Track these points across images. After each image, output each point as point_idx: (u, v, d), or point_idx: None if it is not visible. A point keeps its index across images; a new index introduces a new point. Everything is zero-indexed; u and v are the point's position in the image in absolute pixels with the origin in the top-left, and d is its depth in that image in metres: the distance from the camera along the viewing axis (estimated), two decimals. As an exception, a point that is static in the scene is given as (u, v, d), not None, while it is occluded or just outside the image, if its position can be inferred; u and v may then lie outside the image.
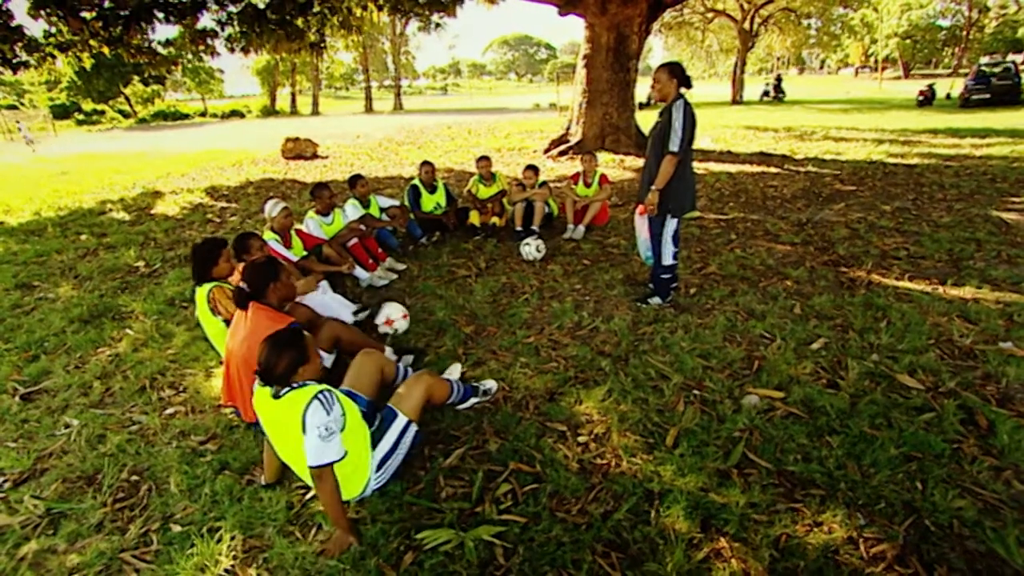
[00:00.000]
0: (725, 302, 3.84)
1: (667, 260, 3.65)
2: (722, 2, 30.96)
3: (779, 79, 30.50)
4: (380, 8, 12.94)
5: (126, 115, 39.30)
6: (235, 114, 42.00)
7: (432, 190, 5.81)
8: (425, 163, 5.83)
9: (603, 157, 10.15)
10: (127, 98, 40.02)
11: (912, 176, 7.76)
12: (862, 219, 5.70)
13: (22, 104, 41.46)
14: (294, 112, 43.70)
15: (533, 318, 3.80)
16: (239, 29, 11.63)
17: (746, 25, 30.28)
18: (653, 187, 3.43)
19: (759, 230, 5.50)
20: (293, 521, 2.16)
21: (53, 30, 10.65)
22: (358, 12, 12.87)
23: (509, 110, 32.37)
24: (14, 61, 9.92)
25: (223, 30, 12.00)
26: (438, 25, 15.62)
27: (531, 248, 4.91)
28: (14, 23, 9.45)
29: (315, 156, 13.75)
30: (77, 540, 2.13)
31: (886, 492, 2.10)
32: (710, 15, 31.77)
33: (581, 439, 2.52)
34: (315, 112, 42.44)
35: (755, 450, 2.36)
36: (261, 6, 11.39)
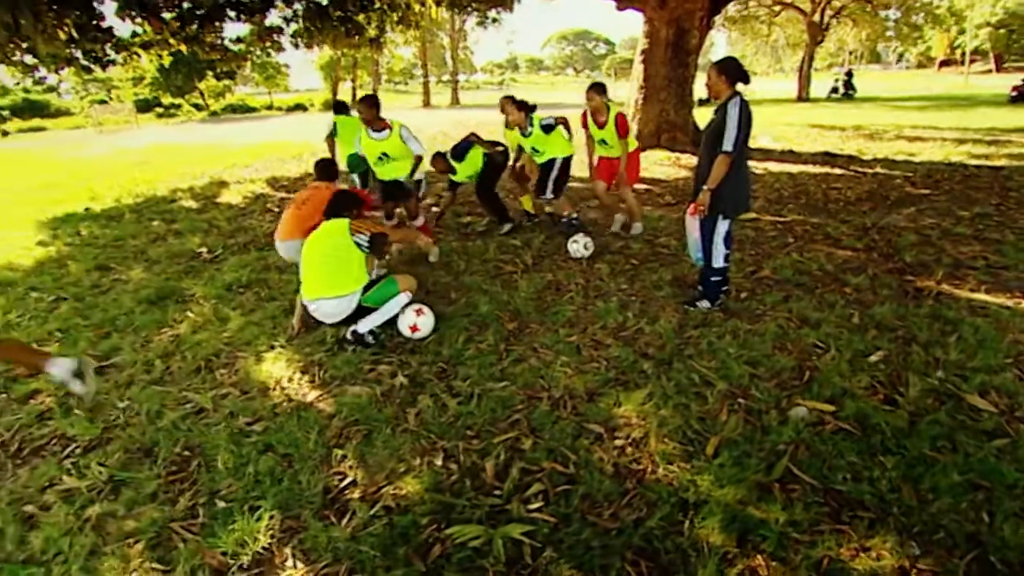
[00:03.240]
0: (777, 308, 3.67)
1: (718, 262, 3.53)
2: (792, -7, 29.51)
3: (850, 74, 28.88)
4: (438, 4, 13.09)
5: (200, 108, 41.45)
6: (299, 107, 43.53)
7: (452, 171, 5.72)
8: (437, 156, 5.69)
9: (660, 155, 9.93)
10: (201, 93, 42.21)
11: (997, 179, 7.19)
12: (935, 225, 5.32)
13: (110, 99, 44.41)
14: (354, 103, 44.80)
15: (577, 317, 3.76)
16: (303, 25, 12.05)
17: (816, 18, 28.78)
18: (705, 187, 3.32)
19: (819, 234, 5.23)
20: (328, 506, 2.22)
21: (138, 30, 11.37)
22: (417, 8, 13.07)
23: (565, 105, 32.10)
24: (104, 59, 10.64)
25: (288, 26, 12.48)
26: (495, 20, 15.65)
27: (579, 246, 4.86)
28: (105, 24, 10.13)
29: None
30: (134, 507, 2.28)
31: (946, 521, 1.95)
32: (777, 8, 30.39)
33: (618, 442, 2.48)
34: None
35: (800, 465, 2.24)
36: (324, 3, 11.74)
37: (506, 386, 2.97)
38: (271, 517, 2.15)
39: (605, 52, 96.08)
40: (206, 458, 2.55)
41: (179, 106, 41.25)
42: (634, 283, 4.27)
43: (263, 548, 2.04)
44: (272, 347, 3.54)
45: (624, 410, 2.69)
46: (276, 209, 7.61)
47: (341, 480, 2.35)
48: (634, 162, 5.35)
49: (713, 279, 3.62)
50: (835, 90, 28.45)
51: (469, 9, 14.41)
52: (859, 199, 6.50)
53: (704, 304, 3.70)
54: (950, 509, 2.01)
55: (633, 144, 5.23)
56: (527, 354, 3.29)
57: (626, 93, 11.60)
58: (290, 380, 3.16)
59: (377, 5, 12.00)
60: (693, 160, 9.32)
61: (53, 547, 2.09)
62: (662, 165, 9.33)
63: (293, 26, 12.29)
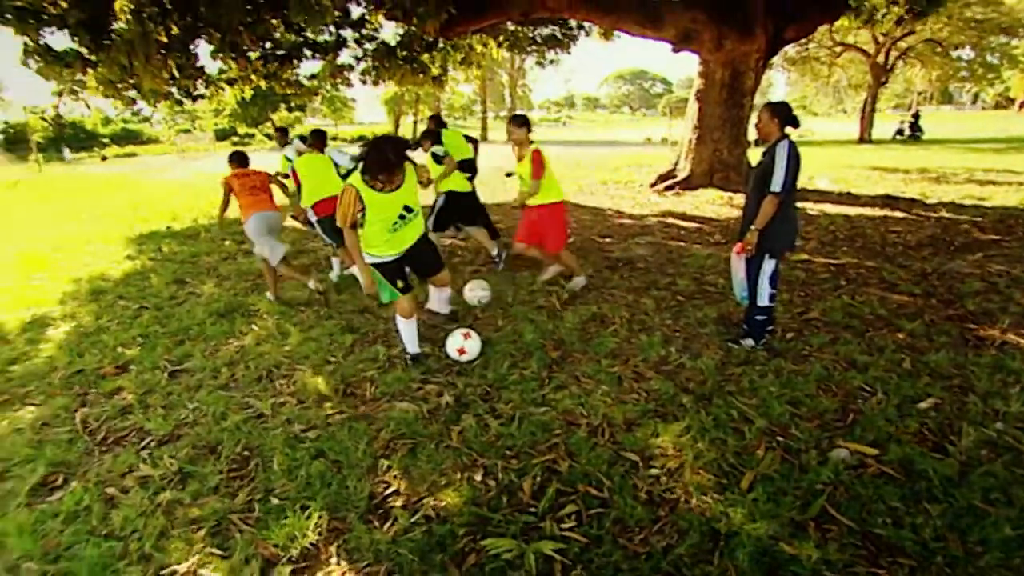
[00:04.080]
0: (824, 350, 3.63)
1: (763, 301, 3.54)
2: (853, 35, 28.95)
3: (916, 116, 27.92)
4: (499, 45, 13.72)
5: (271, 137, 44.28)
6: (361, 139, 45.82)
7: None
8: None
9: (712, 194, 9.92)
10: (273, 123, 45.14)
11: (1075, 228, 6.81)
12: (1004, 272, 5.11)
13: (192, 128, 48.13)
14: (413, 140, 46.76)
15: (620, 348, 3.82)
16: (372, 64, 12.87)
17: (880, 59, 28.15)
18: (752, 227, 3.37)
19: (873, 278, 5.11)
20: (372, 511, 2.36)
21: (223, 67, 12.46)
22: (479, 48, 13.73)
23: (620, 143, 32.43)
24: (194, 94, 11.71)
25: (358, 64, 13.35)
26: (553, 61, 16.17)
27: (474, 295, 4.73)
28: (198, 64, 11.19)
29: (430, 181, 14.64)
30: (199, 497, 2.49)
31: None
32: (839, 49, 29.92)
33: (653, 471, 2.52)
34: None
35: (838, 506, 2.22)
36: (392, 43, 12.53)
37: (546, 411, 3.06)
38: (319, 517, 2.31)
39: (662, 91, 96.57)
40: (263, 459, 2.75)
41: (253, 135, 44.20)
42: (679, 319, 4.30)
43: (311, 544, 2.19)
44: (328, 362, 3.77)
45: (661, 441, 2.73)
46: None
47: (385, 488, 2.49)
48: (557, 219, 4.72)
49: (758, 318, 3.62)
50: (900, 132, 27.56)
51: (529, 50, 14.99)
52: (920, 244, 6.30)
53: (748, 342, 3.69)
54: (1000, 564, 1.95)
55: (555, 193, 4.69)
56: (568, 382, 3.38)
57: (680, 132, 11.70)
58: (343, 393, 3.36)
59: (441, 46, 12.69)
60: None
61: (130, 526, 2.31)
62: (713, 204, 9.31)
63: (363, 64, 13.15)
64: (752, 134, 10.94)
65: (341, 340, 4.07)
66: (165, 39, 7.93)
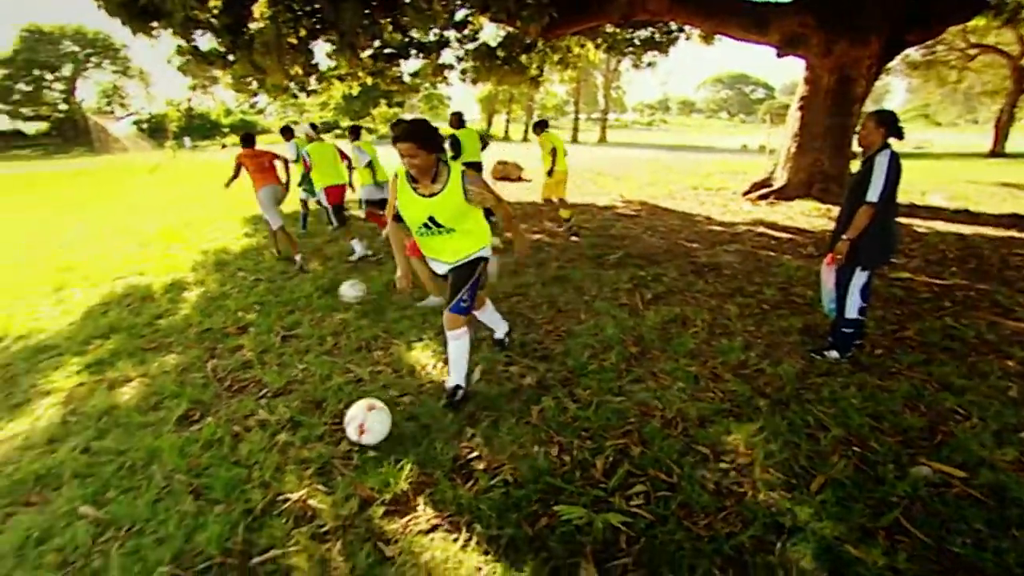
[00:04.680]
0: (915, 369, 3.49)
1: (851, 313, 3.47)
2: (993, 35, 26.04)
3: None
4: (597, 47, 13.78)
5: (370, 131, 46.78)
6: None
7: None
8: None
9: (808, 205, 9.51)
10: (373, 118, 47.65)
11: None
12: None
13: (299, 121, 51.98)
14: (505, 138, 47.70)
15: (699, 350, 3.87)
16: (472, 64, 13.38)
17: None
18: (844, 236, 3.32)
19: (984, 301, 4.77)
20: (456, 471, 2.62)
21: (334, 64, 13.45)
22: (576, 50, 13.88)
23: (715, 150, 31.43)
24: (308, 89, 12.75)
25: (459, 64, 13.92)
26: (650, 64, 15.99)
27: (346, 287, 5.08)
28: (313, 61, 12.18)
29: (519, 179, 15.01)
30: (307, 442, 2.86)
31: (1077, 602, 1.84)
32: (973, 51, 27.15)
33: (723, 465, 2.60)
34: (525, 139, 45.85)
35: (913, 520, 2.21)
36: (492, 44, 12.96)
37: (622, 400, 3.19)
38: (410, 469, 2.59)
39: (763, 96, 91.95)
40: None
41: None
42: (761, 327, 4.27)
43: (401, 491, 2.47)
44: (420, 339, 4.10)
45: (733, 438, 2.79)
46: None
47: (469, 453, 2.74)
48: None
49: (845, 330, 3.55)
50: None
51: (626, 52, 14.93)
52: (1046, 270, 5.77)
53: (833, 354, 3.62)
54: (1090, 597, 1.88)
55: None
56: (645, 376, 3.49)
57: (780, 140, 11.25)
58: (434, 367, 3.66)
59: (540, 47, 12.96)
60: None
61: (253, 458, 2.72)
62: (809, 216, 8.92)
63: (463, 64, 13.69)
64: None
65: (433, 320, 4.40)
66: (295, 40, 8.79)
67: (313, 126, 7.01)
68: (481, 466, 2.64)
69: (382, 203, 6.40)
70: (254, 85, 11.68)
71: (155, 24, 8.03)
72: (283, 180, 6.39)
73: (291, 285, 5.55)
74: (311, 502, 2.43)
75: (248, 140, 6.31)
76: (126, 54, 54.93)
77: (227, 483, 2.53)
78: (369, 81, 14.17)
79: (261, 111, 55.47)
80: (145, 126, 47.36)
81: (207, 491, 2.51)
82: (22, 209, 12.97)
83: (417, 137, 2.69)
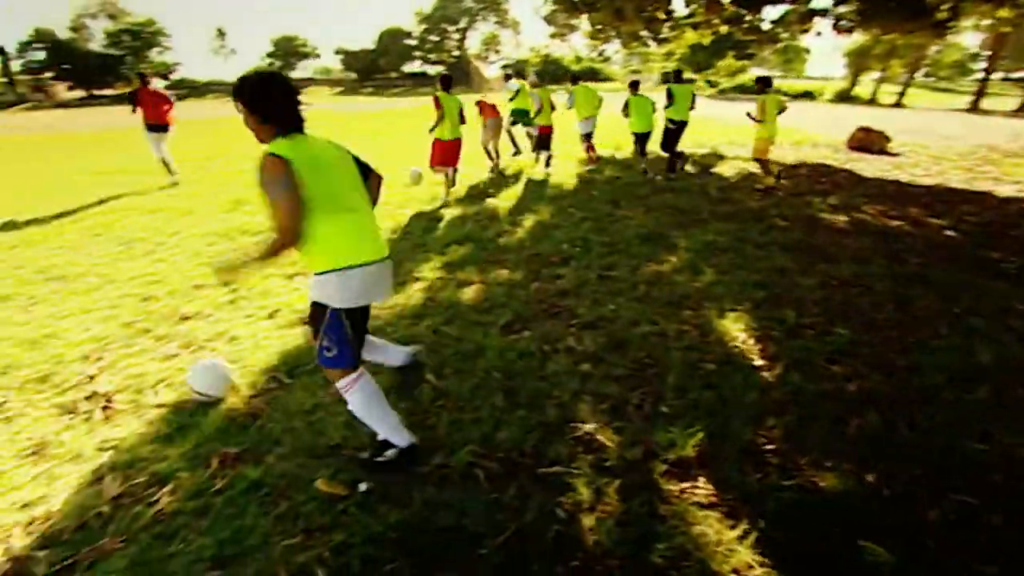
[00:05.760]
0: None
1: None
2: None
3: None
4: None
5: (712, 85, 44.46)
6: (806, 95, 41.45)
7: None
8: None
9: None
10: (717, 70, 45.02)
11: None
12: None
13: (640, 71, 52.60)
14: (872, 101, 39.66)
15: None
16: (854, 7, 11.25)
17: None
18: None
19: None
20: (745, 457, 2.43)
21: (690, 11, 12.94)
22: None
23: None
24: (659, 37, 12.67)
25: (835, 8, 11.85)
26: None
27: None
28: (670, 8, 11.94)
29: (883, 152, 12.34)
30: (605, 379, 3.02)
31: None
32: None
33: None
34: (898, 103, 37.38)
35: None
36: (889, -19, 10.60)
37: (984, 447, 2.47)
38: (700, 439, 2.51)
39: None
40: (661, 369, 3.10)
41: (694, 81, 45.34)
42: None
43: (685, 457, 2.43)
44: (734, 309, 3.86)
45: None
46: (760, 188, 7.81)
47: (765, 443, 2.51)
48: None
49: None
50: None
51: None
52: None
53: None
54: None
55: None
56: (1030, 430, 2.61)
57: None
58: (743, 342, 3.43)
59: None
60: None
61: (556, 378, 3.01)
62: None
63: (842, 8, 11.64)
64: None
65: (752, 293, 4.08)
66: (659, -15, 8.75)
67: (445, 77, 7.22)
68: (775, 460, 2.40)
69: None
70: (610, 33, 12.14)
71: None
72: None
73: (613, 229, 5.81)
74: (600, 437, 2.58)
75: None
76: (505, 7, 63.86)
77: (532, 393, 2.87)
78: (724, 30, 13.27)
79: (607, 59, 57.98)
80: (510, 70, 54.88)
81: (514, 395, 2.89)
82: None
83: (241, 93, 2.00)
